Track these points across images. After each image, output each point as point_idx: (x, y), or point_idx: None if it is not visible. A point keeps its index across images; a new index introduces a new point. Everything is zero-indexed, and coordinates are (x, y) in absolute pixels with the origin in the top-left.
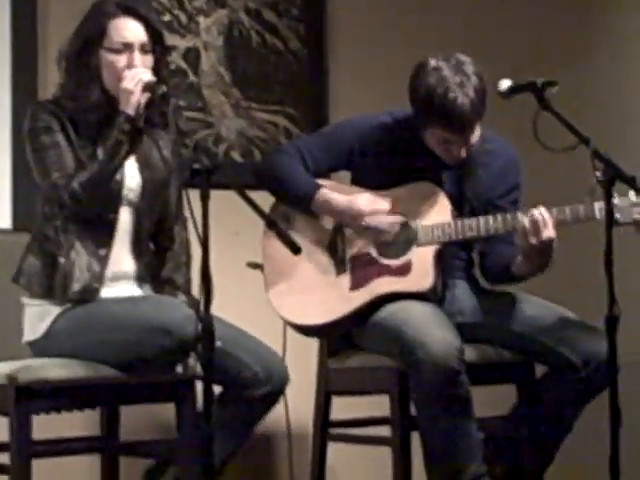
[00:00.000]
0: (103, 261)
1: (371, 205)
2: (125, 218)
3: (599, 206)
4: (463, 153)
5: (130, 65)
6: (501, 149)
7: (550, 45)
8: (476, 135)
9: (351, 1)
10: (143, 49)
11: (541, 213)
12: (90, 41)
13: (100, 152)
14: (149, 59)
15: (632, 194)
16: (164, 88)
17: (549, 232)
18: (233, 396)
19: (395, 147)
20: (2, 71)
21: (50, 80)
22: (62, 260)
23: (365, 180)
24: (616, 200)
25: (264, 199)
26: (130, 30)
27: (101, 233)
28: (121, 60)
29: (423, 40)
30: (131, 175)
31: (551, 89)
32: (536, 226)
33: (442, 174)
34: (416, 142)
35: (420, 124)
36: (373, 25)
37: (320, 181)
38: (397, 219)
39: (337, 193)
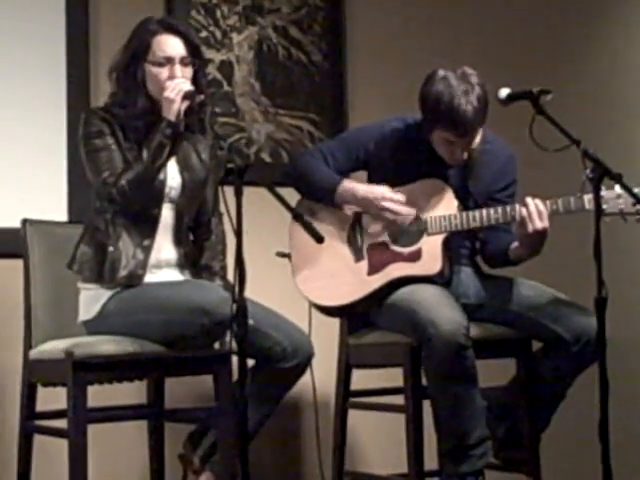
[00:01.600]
0: (147, 250)
1: (391, 192)
2: (167, 213)
3: (588, 198)
4: (464, 155)
5: (172, 76)
6: (500, 149)
7: (549, 56)
8: (476, 140)
9: (368, 19)
10: (183, 62)
11: (537, 205)
12: (136, 55)
13: (145, 154)
14: (188, 71)
15: (617, 187)
16: (202, 97)
17: (544, 222)
18: (264, 368)
19: (406, 149)
20: (59, 82)
21: (101, 90)
22: (111, 249)
23: (380, 178)
24: (603, 192)
25: (290, 195)
26: (171, 45)
27: (145, 226)
28: (164, 72)
29: (431, 54)
30: (172, 176)
31: (545, 96)
32: (532, 216)
33: (448, 172)
34: (424, 144)
35: (428, 127)
36: (387, 40)
37: None
38: (412, 210)
39: (358, 183)
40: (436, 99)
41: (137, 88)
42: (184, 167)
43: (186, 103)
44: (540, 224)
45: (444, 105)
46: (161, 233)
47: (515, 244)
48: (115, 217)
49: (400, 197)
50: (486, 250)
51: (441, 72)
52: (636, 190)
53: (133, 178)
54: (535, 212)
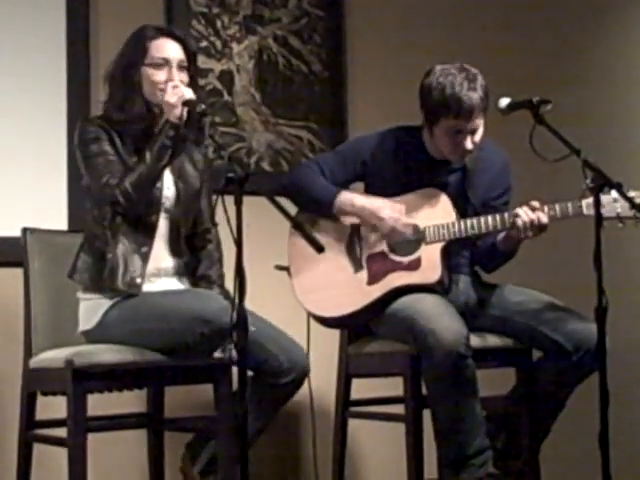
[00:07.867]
0: (145, 257)
1: (389, 205)
2: (162, 223)
3: (586, 203)
4: (469, 144)
5: (169, 79)
6: (495, 156)
7: (549, 67)
8: (480, 133)
9: (368, 29)
10: (180, 66)
11: (535, 215)
12: (134, 59)
13: (147, 155)
14: (185, 76)
15: (614, 190)
16: (203, 106)
17: (543, 217)
18: (261, 382)
19: (403, 158)
20: (59, 91)
21: (101, 100)
22: (109, 256)
23: (377, 189)
24: (601, 197)
25: (290, 204)
26: (169, 48)
27: (143, 233)
28: (161, 74)
29: (431, 64)
30: (167, 186)
31: (545, 106)
32: (526, 226)
33: (447, 180)
34: (422, 153)
35: (431, 120)
36: (387, 50)
37: None
38: (409, 224)
39: (357, 193)
40: (439, 88)
41: (134, 92)
42: (179, 177)
43: (186, 109)
44: (531, 233)
45: (449, 90)
46: (158, 242)
47: (502, 235)
48: (113, 224)
49: (398, 209)
50: (476, 251)
51: (439, 66)
52: (632, 194)
53: (136, 179)
54: (531, 221)
